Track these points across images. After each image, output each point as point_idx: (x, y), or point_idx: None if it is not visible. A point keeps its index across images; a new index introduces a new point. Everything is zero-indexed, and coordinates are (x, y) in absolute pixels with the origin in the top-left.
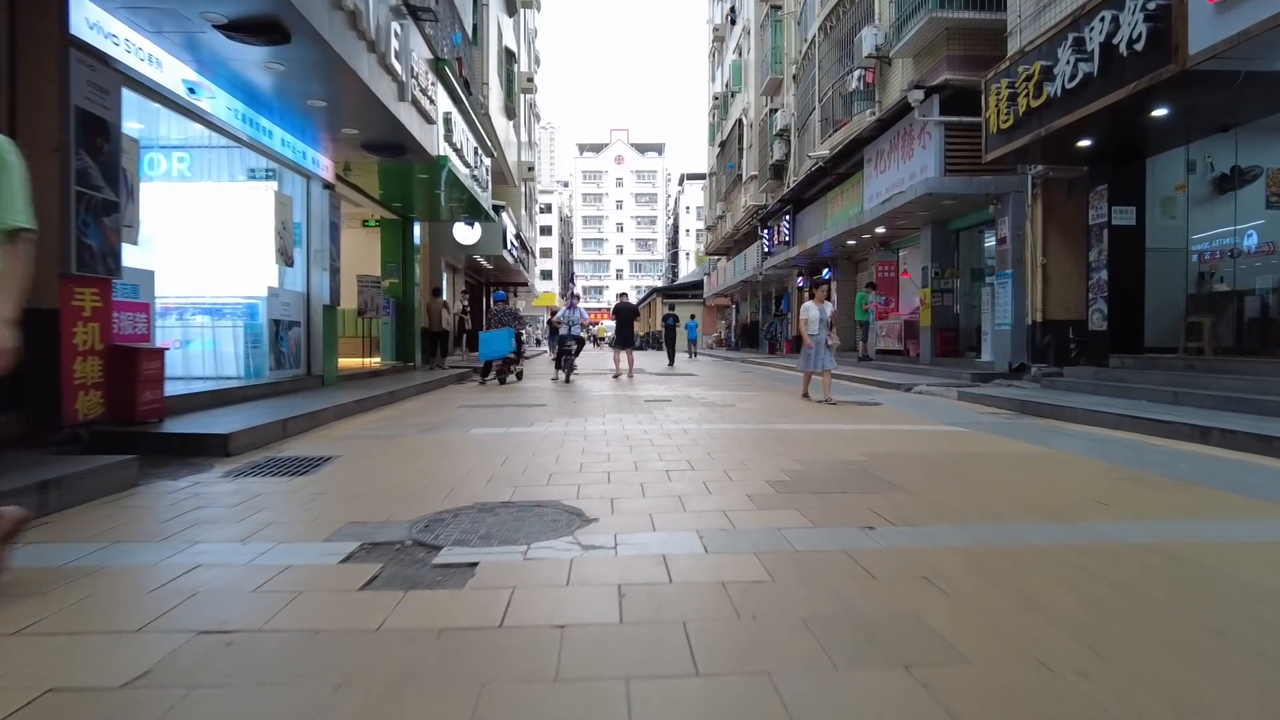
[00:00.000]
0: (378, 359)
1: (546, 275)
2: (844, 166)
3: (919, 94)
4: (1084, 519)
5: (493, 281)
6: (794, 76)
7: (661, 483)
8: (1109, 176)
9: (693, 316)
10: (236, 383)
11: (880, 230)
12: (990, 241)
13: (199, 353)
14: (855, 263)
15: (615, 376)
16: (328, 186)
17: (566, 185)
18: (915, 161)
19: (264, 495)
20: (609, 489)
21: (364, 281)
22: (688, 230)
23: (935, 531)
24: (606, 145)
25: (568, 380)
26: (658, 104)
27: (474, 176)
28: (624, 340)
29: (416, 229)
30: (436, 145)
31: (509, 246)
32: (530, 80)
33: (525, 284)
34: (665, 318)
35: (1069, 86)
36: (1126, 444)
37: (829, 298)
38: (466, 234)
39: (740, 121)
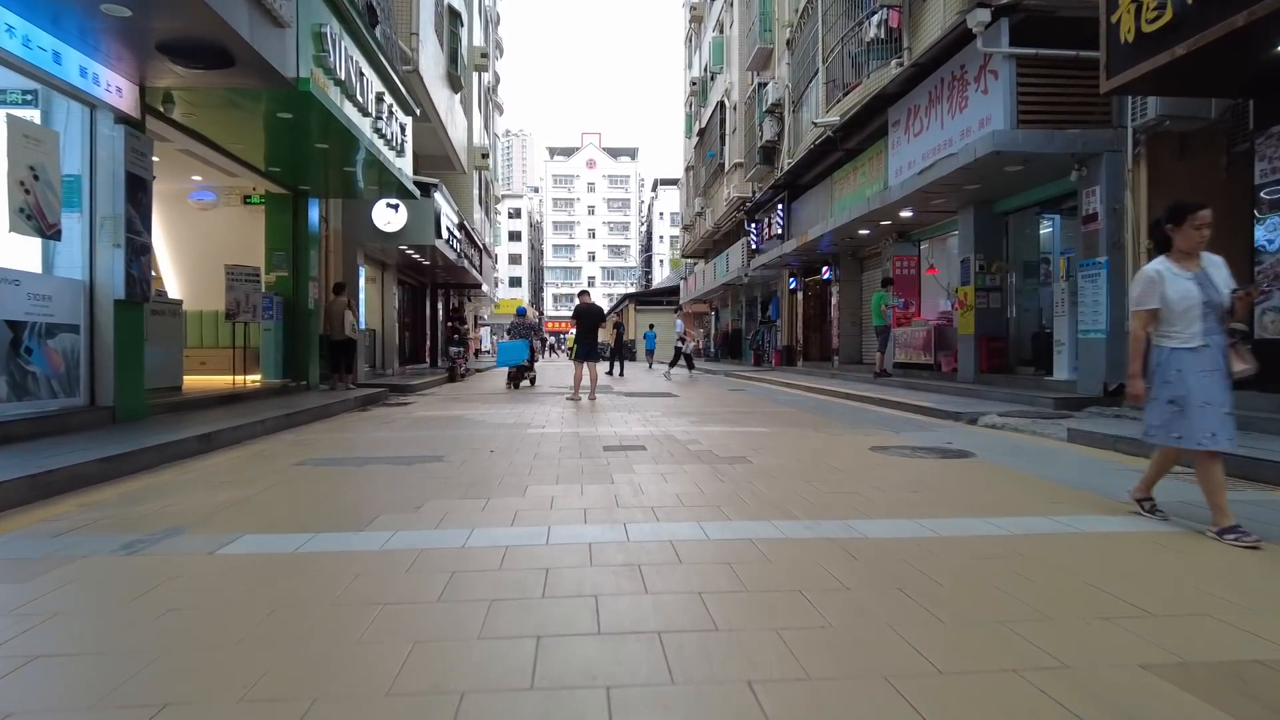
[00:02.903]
0: (257, 376)
1: (515, 282)
2: (856, 139)
3: (984, 14)
4: None
5: (440, 283)
6: (788, 42)
7: None
8: None
9: (651, 326)
10: None
11: (906, 214)
12: (1047, 228)
13: None
14: (860, 260)
15: (571, 399)
16: (125, 121)
17: (537, 190)
18: (971, 113)
19: None
20: None
21: (235, 274)
22: (661, 236)
23: None
24: (578, 149)
25: None
26: (631, 109)
27: (378, 131)
28: (586, 351)
29: (315, 208)
30: (294, 61)
31: (445, 236)
32: (484, 56)
33: (477, 286)
34: (615, 325)
35: None
36: None
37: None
38: (388, 218)
39: (722, 104)
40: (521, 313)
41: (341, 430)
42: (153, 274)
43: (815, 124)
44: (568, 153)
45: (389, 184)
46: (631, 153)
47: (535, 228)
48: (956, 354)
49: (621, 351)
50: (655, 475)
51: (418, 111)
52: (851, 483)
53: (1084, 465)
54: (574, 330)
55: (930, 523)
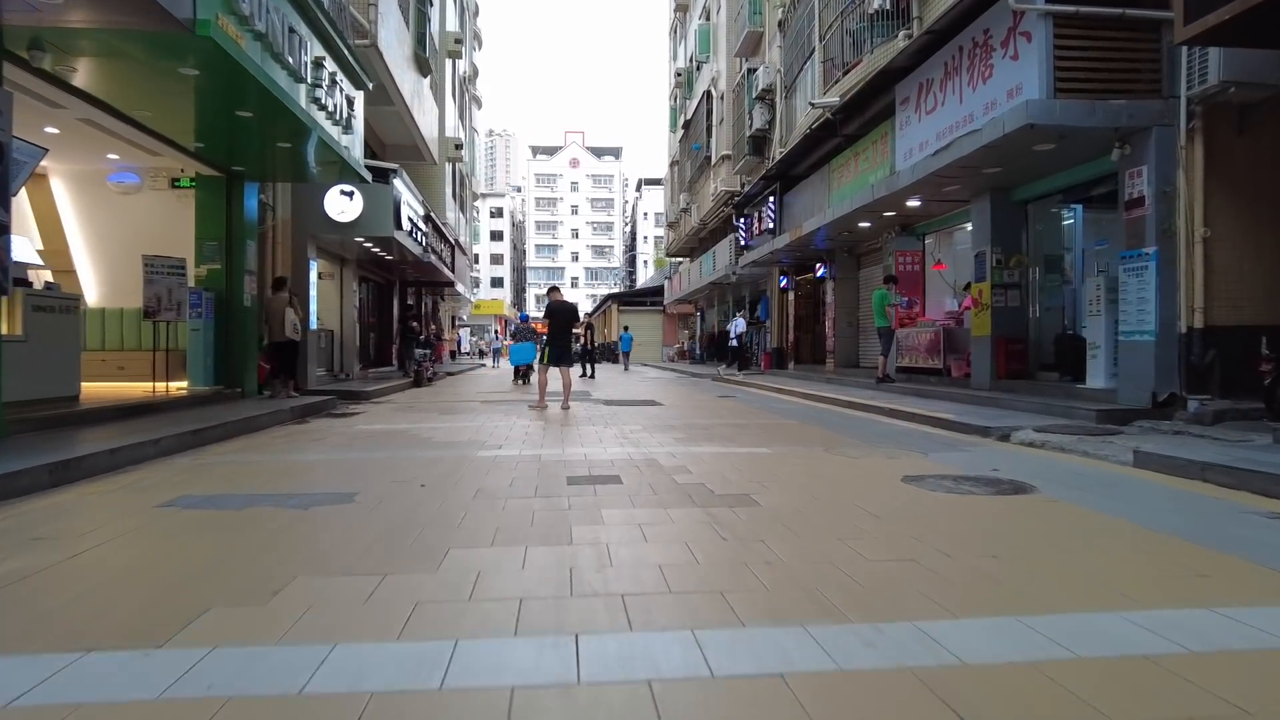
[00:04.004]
0: (184, 383)
1: (497, 283)
2: (857, 123)
3: None
4: None
5: (410, 281)
6: (779, 23)
7: None
8: None
9: (626, 328)
10: None
11: (913, 204)
12: (1070, 219)
13: None
14: (858, 257)
15: (535, 406)
16: None
17: (519, 190)
18: (998, 83)
19: None
20: None
21: (155, 266)
22: (645, 237)
23: None
24: (561, 148)
25: None
26: (614, 109)
27: (317, 101)
28: (560, 354)
29: (253, 194)
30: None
31: (408, 228)
32: (458, 43)
33: (449, 284)
34: (585, 328)
35: None
36: None
37: None
38: (342, 207)
39: (708, 94)
40: (525, 319)
41: (255, 451)
42: (16, 260)
43: (813, 105)
44: (551, 151)
45: (334, 165)
46: (615, 152)
47: (517, 227)
48: (969, 357)
49: (593, 354)
50: (631, 528)
51: (370, 86)
52: (900, 539)
53: (1186, 505)
54: (546, 331)
55: (1047, 625)
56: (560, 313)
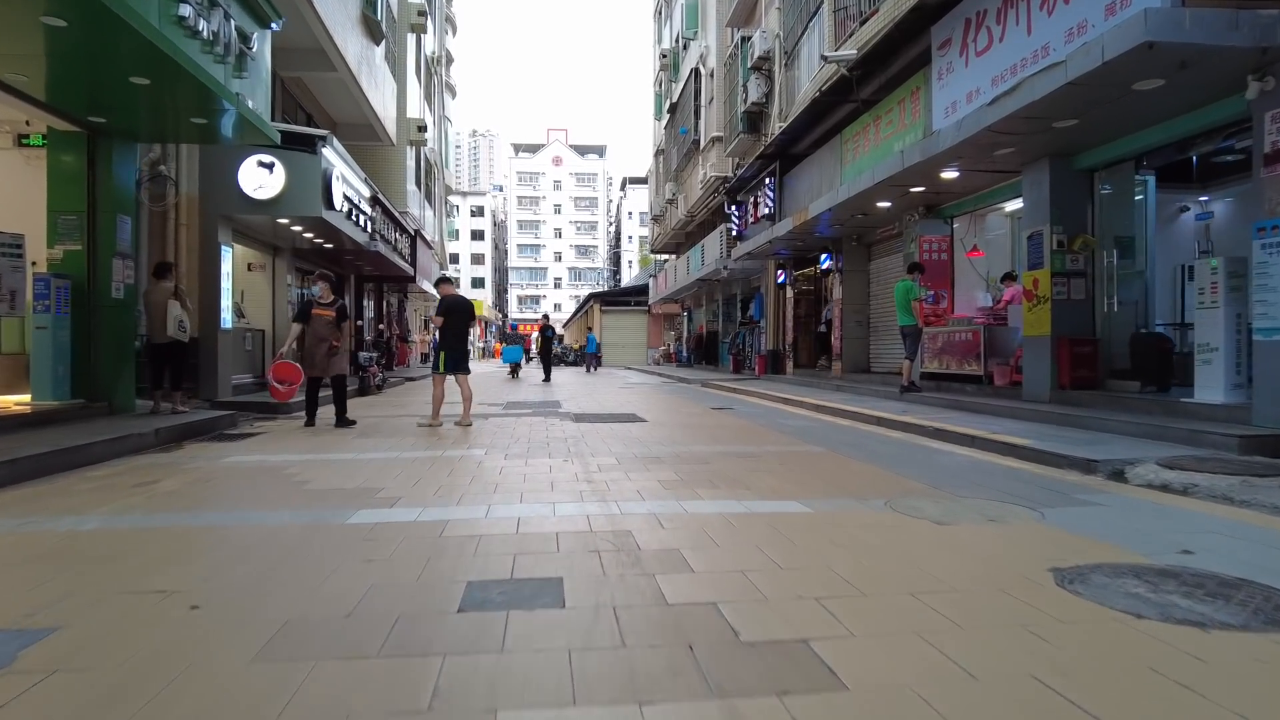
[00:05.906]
0: (27, 397)
1: (479, 283)
2: (875, 84)
3: None
4: None
5: (368, 275)
6: None
7: None
8: None
9: (590, 329)
10: None
11: (950, 174)
12: (1141, 194)
13: None
14: (868, 246)
15: (429, 424)
16: None
17: (501, 189)
18: (1083, 2)
19: None
20: None
21: None
22: (630, 237)
23: None
24: (543, 146)
25: None
26: (598, 108)
27: (180, 20)
28: (458, 360)
29: (128, 157)
30: None
31: (344, 209)
32: (421, 15)
33: (411, 279)
34: (543, 329)
35: None
36: None
37: None
38: (260, 181)
39: (696, 72)
40: (514, 326)
41: (19, 509)
42: None
43: (825, 58)
44: (533, 149)
45: (236, 124)
46: (599, 150)
47: (499, 226)
48: (1017, 362)
49: (550, 356)
50: None
51: (276, 23)
52: None
53: None
54: (437, 330)
55: None
56: (457, 309)
